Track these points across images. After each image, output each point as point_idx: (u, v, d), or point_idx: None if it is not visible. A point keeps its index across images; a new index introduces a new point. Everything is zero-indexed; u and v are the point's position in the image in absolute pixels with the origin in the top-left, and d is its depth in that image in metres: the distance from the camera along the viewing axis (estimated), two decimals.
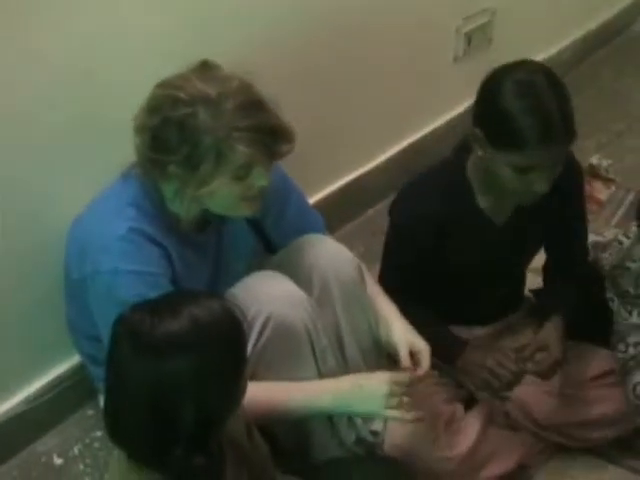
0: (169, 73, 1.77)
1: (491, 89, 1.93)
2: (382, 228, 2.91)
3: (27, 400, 2.26)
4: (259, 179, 1.78)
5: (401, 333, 2.00)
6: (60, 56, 1.96)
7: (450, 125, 3.27)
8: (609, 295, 2.26)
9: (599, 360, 2.23)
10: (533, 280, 2.40)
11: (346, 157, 2.96)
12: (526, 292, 2.42)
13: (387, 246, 2.23)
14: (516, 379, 2.15)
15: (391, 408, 1.85)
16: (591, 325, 2.27)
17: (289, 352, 1.89)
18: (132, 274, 1.78)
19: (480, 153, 1.95)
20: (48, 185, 2.08)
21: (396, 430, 2.02)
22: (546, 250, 2.31)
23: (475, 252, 2.11)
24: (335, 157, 2.89)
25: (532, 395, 2.17)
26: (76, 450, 2.30)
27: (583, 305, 2.25)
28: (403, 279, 2.17)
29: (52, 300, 2.12)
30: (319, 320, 1.94)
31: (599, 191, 3.19)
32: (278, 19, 2.44)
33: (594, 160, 3.27)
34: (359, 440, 2.00)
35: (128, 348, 1.44)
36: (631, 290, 2.20)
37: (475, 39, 3.25)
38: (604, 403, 2.17)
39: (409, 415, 1.85)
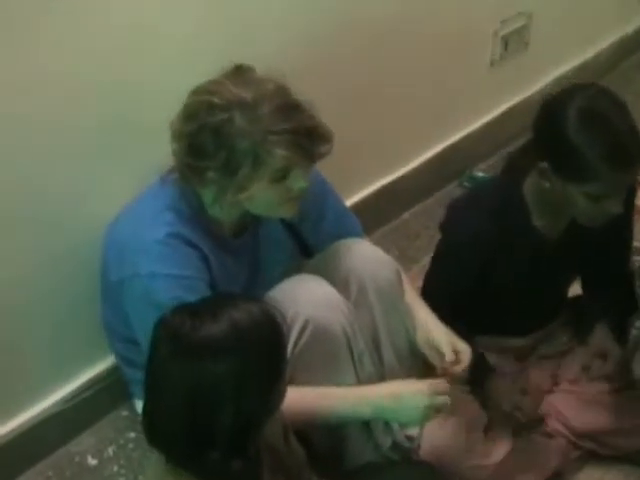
0: (201, 75, 1.77)
1: (553, 121, 1.87)
2: (416, 232, 2.90)
3: (62, 400, 2.27)
4: (298, 181, 1.77)
5: (442, 333, 1.99)
6: (91, 59, 1.95)
7: (486, 129, 3.26)
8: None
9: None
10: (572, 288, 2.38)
11: (382, 161, 2.95)
12: None
13: (439, 264, 2.20)
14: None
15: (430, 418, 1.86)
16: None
17: (327, 356, 1.88)
18: (169, 277, 1.79)
19: (548, 185, 1.91)
20: (81, 188, 2.08)
21: (432, 435, 2.02)
22: (592, 264, 2.25)
23: (524, 269, 2.09)
24: (371, 161, 2.88)
25: (567, 402, 2.17)
26: (110, 451, 2.31)
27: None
28: (453, 297, 2.13)
29: (87, 302, 2.13)
30: (357, 324, 1.93)
31: (637, 197, 3.15)
32: (313, 23, 2.43)
33: None
34: (395, 445, 2.00)
35: (168, 351, 1.45)
36: None
37: (512, 43, 3.23)
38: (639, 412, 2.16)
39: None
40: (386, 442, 1.99)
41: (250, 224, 1.98)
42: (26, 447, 2.23)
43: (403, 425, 1.98)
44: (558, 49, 3.36)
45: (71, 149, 2.01)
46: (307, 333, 1.84)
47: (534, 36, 3.32)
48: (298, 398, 1.57)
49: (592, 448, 2.19)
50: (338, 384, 1.89)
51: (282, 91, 1.74)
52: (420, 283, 2.30)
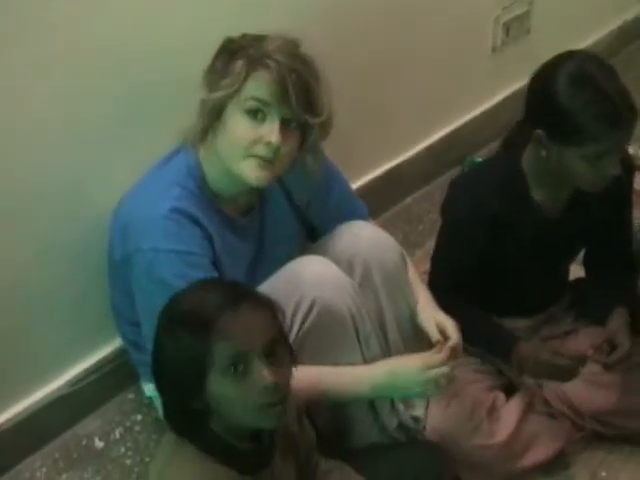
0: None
1: (545, 88, 1.91)
2: (419, 216, 2.91)
3: (69, 383, 2.28)
4: (271, 126, 1.76)
5: (430, 317, 2.00)
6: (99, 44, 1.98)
7: (488, 114, 3.27)
8: None
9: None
10: (573, 271, 2.39)
11: (386, 145, 2.96)
12: None
13: (441, 246, 2.21)
14: (578, 362, 2.07)
15: (429, 392, 1.89)
16: None
17: (334, 337, 1.88)
18: (173, 253, 1.79)
19: (544, 153, 1.94)
20: (96, 171, 2.10)
21: (437, 416, 2.03)
22: (593, 242, 2.28)
23: (526, 246, 2.10)
24: (375, 145, 2.89)
25: (572, 383, 2.16)
26: (117, 433, 2.32)
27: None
28: (456, 278, 2.14)
29: (95, 284, 2.14)
30: (363, 305, 1.94)
31: (637, 183, 3.16)
32: (328, 7, 2.46)
33: (630, 150, 3.24)
34: (400, 426, 2.01)
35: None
36: None
37: (513, 29, 3.24)
38: None
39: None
40: (392, 423, 1.99)
41: (257, 203, 1.99)
42: (33, 430, 2.24)
43: (404, 400, 2.00)
44: (559, 35, 3.35)
45: (77, 137, 2.03)
46: (313, 314, 1.84)
47: (535, 22, 3.33)
48: (300, 377, 1.58)
49: (596, 429, 2.20)
50: (344, 365, 1.90)
51: (292, 42, 1.81)
52: (425, 267, 2.31)
